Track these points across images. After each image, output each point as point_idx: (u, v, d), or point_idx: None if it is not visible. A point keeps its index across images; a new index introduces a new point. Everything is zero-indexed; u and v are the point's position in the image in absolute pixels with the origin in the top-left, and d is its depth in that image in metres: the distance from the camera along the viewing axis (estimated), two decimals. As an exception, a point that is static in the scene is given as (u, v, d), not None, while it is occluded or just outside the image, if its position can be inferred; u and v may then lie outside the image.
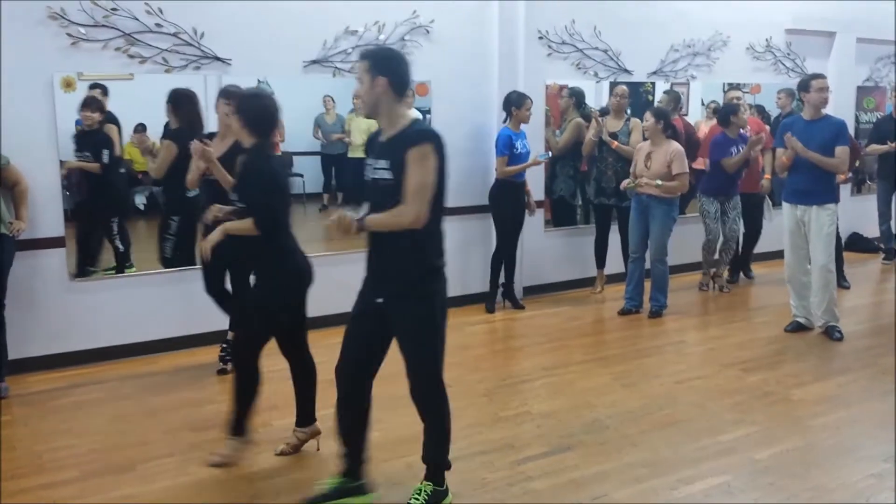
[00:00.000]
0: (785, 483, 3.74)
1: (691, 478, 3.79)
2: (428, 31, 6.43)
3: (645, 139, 6.58)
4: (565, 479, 3.79)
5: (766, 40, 8.42)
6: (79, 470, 3.88)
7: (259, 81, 6.03)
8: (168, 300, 5.66)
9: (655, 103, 7.79)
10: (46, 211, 5.20)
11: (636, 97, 7.98)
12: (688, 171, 6.40)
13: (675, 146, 6.40)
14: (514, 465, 3.94)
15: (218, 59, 5.61)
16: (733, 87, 8.24)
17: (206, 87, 5.91)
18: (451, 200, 4.87)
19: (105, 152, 5.57)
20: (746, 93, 8.44)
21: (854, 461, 3.97)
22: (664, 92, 7.95)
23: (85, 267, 5.56)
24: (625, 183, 6.50)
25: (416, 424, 4.30)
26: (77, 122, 5.48)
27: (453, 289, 5.12)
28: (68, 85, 5.25)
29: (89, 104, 5.43)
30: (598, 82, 7.48)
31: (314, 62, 5.98)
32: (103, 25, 5.21)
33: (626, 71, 7.55)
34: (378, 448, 4.01)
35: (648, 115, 6.46)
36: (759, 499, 3.61)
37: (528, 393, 4.76)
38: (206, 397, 4.81)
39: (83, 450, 4.11)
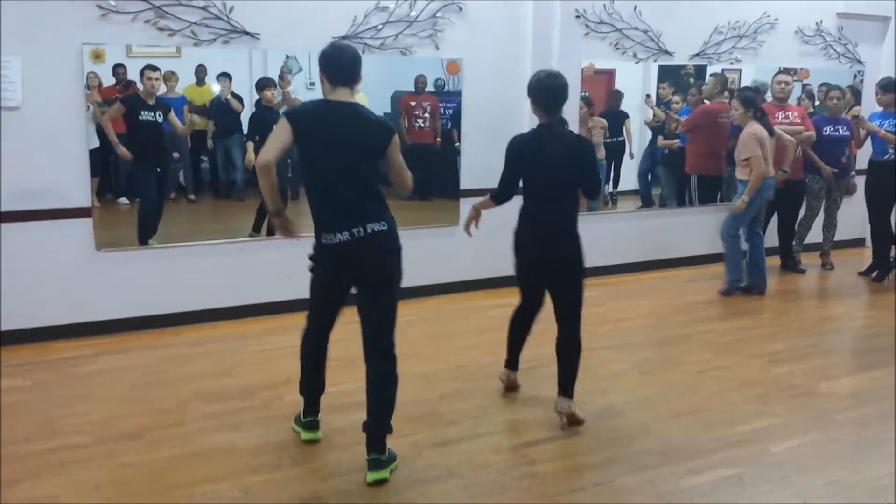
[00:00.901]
0: (800, 477, 3.62)
1: (701, 468, 3.69)
2: (460, 9, 6.33)
3: None
4: (570, 463, 3.72)
5: (817, 24, 8.11)
6: (90, 436, 3.93)
7: (287, 57, 6.03)
8: (193, 273, 5.71)
9: (702, 87, 7.70)
10: (74, 182, 5.27)
11: (677, 80, 7.81)
12: (754, 154, 6.31)
13: (745, 131, 6.42)
14: (518, 447, 3.88)
15: (247, 33, 5.60)
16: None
17: (234, 61, 5.98)
18: (477, 182, 4.80)
19: None
20: (796, 79, 8.17)
21: (876, 458, 3.81)
22: (711, 75, 7.76)
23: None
24: None
25: (422, 404, 4.31)
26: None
27: (475, 272, 5.08)
28: (97, 57, 5.30)
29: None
30: (636, 63, 7.29)
31: (343, 38, 5.93)
32: (133, -2, 5.25)
33: (667, 52, 7.35)
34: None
35: (736, 104, 6.55)
36: (770, 492, 3.49)
37: (541, 377, 4.67)
38: (223, 370, 4.84)
39: (97, 416, 4.17)
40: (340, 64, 3.52)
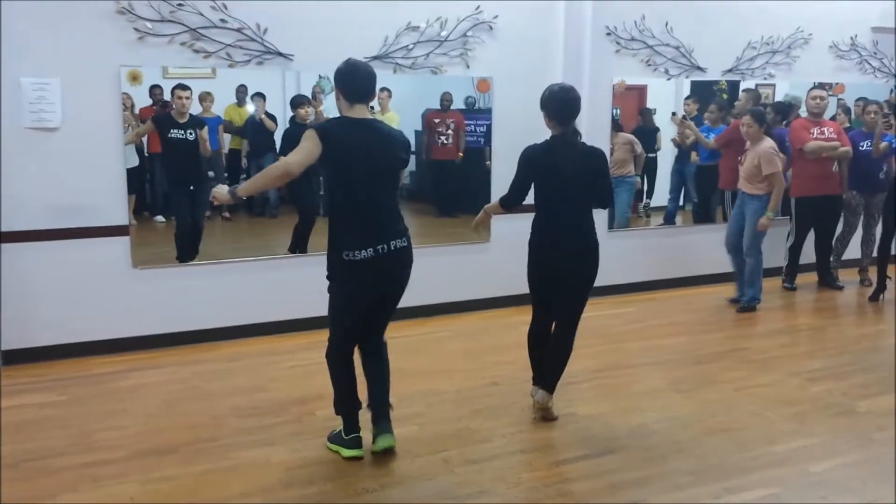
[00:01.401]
0: (838, 498, 3.54)
1: (737, 488, 3.63)
2: (491, 28, 6.37)
3: None
4: (603, 482, 3.68)
5: (852, 38, 8.03)
6: (125, 450, 3.97)
7: (320, 77, 6.11)
8: (228, 290, 5.77)
9: (735, 102, 7.67)
10: (112, 200, 5.36)
11: (709, 95, 7.77)
12: (778, 169, 6.37)
13: (763, 146, 6.43)
14: (552, 465, 3.85)
15: (280, 54, 5.68)
16: (818, 86, 7.88)
17: (268, 82, 6.06)
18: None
19: None
20: (831, 94, 8.09)
21: (917, 478, 3.73)
22: (744, 90, 7.73)
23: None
24: None
25: (455, 420, 4.30)
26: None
27: (509, 288, 5.12)
28: (134, 78, 5.42)
29: None
30: (668, 79, 7.27)
31: (375, 58, 5.98)
32: (169, 20, 5.34)
33: (700, 68, 7.32)
34: (415, 442, 4.00)
35: (749, 120, 6.52)
36: (809, 513, 3.43)
37: (575, 394, 4.65)
38: (258, 385, 4.88)
39: (133, 431, 4.22)
40: (355, 81, 3.61)
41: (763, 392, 4.82)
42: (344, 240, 3.57)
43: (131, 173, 5.47)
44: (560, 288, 4.24)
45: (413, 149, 4.79)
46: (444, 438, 4.05)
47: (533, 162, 4.16)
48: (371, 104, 3.75)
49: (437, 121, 7.06)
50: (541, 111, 4.23)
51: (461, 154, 7.11)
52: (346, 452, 3.85)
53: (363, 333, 3.84)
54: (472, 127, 7.08)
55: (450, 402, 4.54)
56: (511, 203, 4.27)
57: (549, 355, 4.25)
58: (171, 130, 5.84)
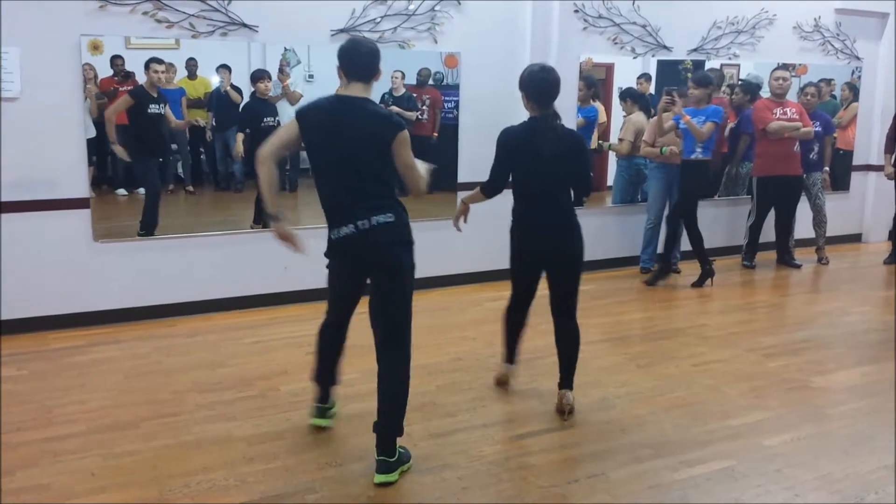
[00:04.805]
0: (792, 471, 3.63)
1: (694, 460, 3.70)
2: (459, 3, 6.34)
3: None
4: (563, 455, 3.74)
5: (815, 19, 8.14)
6: (85, 425, 3.95)
7: (286, 49, 6.03)
8: (190, 264, 5.73)
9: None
10: (72, 173, 5.28)
11: (675, 75, 7.80)
12: None
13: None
14: (513, 439, 3.90)
15: (245, 25, 5.61)
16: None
17: (233, 54, 5.98)
18: (475, 175, 4.84)
19: None
20: (794, 75, 8.17)
21: (867, 452, 3.82)
22: (708, 69, 7.74)
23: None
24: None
25: (418, 395, 4.32)
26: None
27: (472, 264, 5.15)
28: (95, 48, 5.30)
29: None
30: (635, 58, 7.31)
31: (342, 31, 5.93)
32: (132, -11, 5.25)
33: (666, 47, 7.37)
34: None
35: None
36: (762, 485, 3.51)
37: (537, 370, 4.70)
38: (218, 361, 4.86)
39: (92, 406, 4.19)
40: (353, 59, 3.46)
41: (720, 367, 4.91)
42: (327, 218, 3.49)
43: (89, 145, 5.37)
44: (549, 276, 4.14)
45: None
46: (408, 413, 4.00)
47: (510, 145, 4.02)
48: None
49: (413, 96, 6.99)
50: (519, 91, 4.02)
51: (436, 134, 6.97)
52: (313, 420, 3.95)
53: (340, 316, 3.76)
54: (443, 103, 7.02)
55: (413, 378, 4.46)
56: (491, 190, 4.13)
57: (562, 353, 4.15)
58: (151, 105, 5.80)
